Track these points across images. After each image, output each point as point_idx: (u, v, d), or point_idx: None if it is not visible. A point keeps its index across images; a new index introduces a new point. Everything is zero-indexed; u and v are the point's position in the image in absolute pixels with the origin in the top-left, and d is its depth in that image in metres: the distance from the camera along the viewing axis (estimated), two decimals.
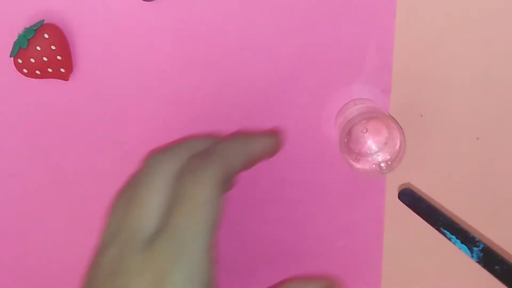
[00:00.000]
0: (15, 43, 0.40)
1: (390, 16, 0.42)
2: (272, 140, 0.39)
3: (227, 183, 0.36)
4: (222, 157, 0.35)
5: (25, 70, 0.40)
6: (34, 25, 0.40)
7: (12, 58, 0.40)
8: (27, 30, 0.39)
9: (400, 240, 0.46)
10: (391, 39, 0.42)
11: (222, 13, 0.42)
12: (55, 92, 0.42)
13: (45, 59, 0.40)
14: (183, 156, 0.36)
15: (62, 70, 0.41)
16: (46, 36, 0.39)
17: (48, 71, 0.40)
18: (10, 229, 0.45)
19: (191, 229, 0.33)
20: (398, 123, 0.38)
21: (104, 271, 0.34)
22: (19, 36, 0.40)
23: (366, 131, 0.40)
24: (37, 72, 0.40)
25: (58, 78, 0.41)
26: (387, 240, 0.46)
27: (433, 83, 0.43)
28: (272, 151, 0.39)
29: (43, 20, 0.40)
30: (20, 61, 0.40)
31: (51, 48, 0.40)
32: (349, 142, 0.38)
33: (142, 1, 0.41)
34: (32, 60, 0.40)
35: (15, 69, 0.40)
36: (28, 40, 0.39)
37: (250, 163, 0.38)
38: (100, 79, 0.42)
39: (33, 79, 0.41)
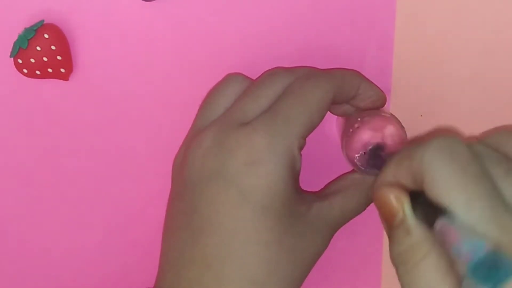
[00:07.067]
0: (15, 43, 0.40)
1: (390, 16, 0.42)
2: (381, 95, 0.39)
3: (333, 106, 0.38)
4: (338, 79, 0.36)
5: (25, 70, 0.40)
6: (34, 25, 0.40)
7: (12, 58, 0.40)
8: (27, 30, 0.39)
9: None
10: (391, 39, 0.42)
11: (222, 13, 0.42)
12: (55, 92, 0.42)
13: (45, 59, 0.40)
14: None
15: (62, 70, 0.41)
16: (46, 36, 0.39)
17: (48, 71, 0.40)
18: (10, 229, 0.45)
19: (291, 117, 0.34)
20: (401, 123, 0.38)
21: (201, 149, 0.35)
22: (19, 36, 0.39)
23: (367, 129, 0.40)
24: (37, 72, 0.40)
25: (58, 78, 0.41)
26: (387, 240, 0.46)
27: (433, 83, 0.43)
28: (378, 102, 0.39)
29: (43, 20, 0.40)
30: (20, 61, 0.40)
31: (51, 48, 0.40)
32: (350, 138, 0.38)
33: (142, 1, 0.41)
34: (32, 60, 0.40)
35: (15, 69, 0.40)
36: (28, 40, 0.39)
37: (358, 100, 0.38)
38: (100, 79, 0.42)
39: (33, 79, 0.41)
